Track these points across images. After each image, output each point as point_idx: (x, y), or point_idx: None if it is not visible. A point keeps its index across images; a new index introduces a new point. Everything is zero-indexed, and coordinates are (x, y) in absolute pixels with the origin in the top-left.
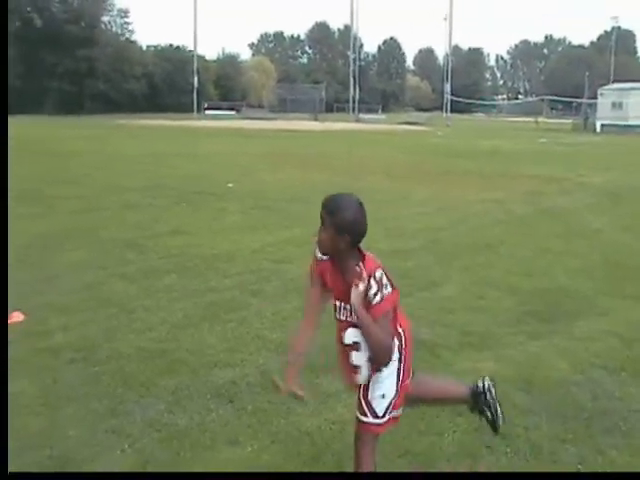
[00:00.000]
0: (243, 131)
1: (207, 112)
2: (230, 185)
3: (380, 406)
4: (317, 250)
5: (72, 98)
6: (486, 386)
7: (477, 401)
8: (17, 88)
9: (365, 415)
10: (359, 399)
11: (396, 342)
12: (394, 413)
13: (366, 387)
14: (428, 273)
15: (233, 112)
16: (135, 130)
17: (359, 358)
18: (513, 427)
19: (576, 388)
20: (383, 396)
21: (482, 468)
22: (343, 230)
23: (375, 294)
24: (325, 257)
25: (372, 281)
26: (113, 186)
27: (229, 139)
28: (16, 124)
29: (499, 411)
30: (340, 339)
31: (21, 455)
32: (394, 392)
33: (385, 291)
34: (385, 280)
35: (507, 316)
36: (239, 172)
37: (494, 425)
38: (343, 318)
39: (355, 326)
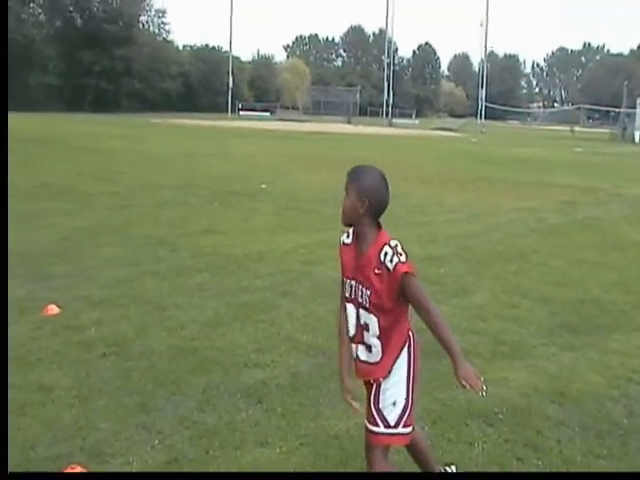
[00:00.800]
0: (277, 132)
1: (242, 113)
2: (263, 186)
3: (392, 414)
4: (342, 236)
5: (109, 96)
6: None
7: None
8: (56, 86)
9: (376, 425)
10: (369, 408)
11: (405, 348)
12: (405, 430)
13: (376, 396)
14: (460, 280)
15: (267, 113)
16: (170, 129)
17: (369, 337)
18: (545, 440)
19: (611, 403)
20: (394, 404)
21: None
22: (363, 195)
23: (391, 259)
24: (348, 240)
25: (387, 247)
26: (148, 184)
27: (263, 140)
28: (55, 121)
29: None
30: (355, 319)
31: (54, 445)
32: (405, 399)
33: (401, 257)
34: (400, 249)
35: (540, 326)
36: (272, 173)
37: None
38: (360, 300)
39: (365, 308)
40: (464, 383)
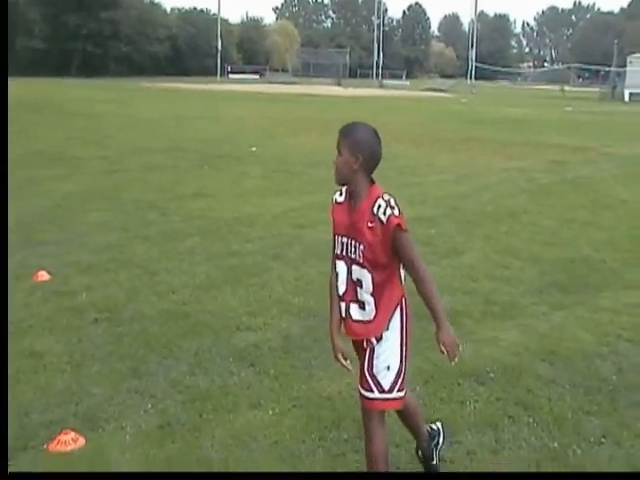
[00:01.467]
0: (266, 95)
1: (231, 76)
2: (253, 149)
3: (386, 379)
4: (335, 194)
5: (96, 60)
6: (440, 430)
7: (430, 442)
8: (42, 50)
9: (370, 391)
10: (363, 374)
11: (398, 310)
12: (400, 394)
13: (370, 361)
14: (451, 241)
15: (256, 76)
16: (159, 93)
17: (362, 294)
18: (536, 398)
19: (600, 360)
20: (388, 368)
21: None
22: (356, 150)
23: (384, 211)
24: (340, 199)
25: (380, 200)
26: (136, 148)
27: (252, 103)
28: (41, 86)
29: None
30: (346, 276)
31: (47, 411)
32: (398, 363)
33: (394, 210)
34: (393, 202)
35: (530, 286)
36: (262, 136)
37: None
38: (353, 256)
39: (358, 264)
40: (442, 348)
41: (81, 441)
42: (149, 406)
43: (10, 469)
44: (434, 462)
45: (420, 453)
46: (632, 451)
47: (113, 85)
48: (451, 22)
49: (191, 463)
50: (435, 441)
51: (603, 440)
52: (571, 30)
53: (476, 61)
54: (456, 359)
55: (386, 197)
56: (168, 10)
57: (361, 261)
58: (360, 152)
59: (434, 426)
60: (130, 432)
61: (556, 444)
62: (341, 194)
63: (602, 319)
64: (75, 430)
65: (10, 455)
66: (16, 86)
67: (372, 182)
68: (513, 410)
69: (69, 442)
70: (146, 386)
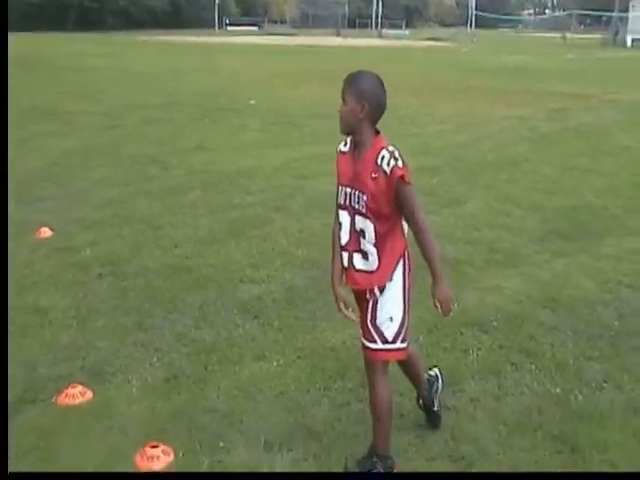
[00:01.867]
0: (265, 47)
1: (229, 28)
2: (252, 102)
3: (389, 330)
4: (340, 144)
5: (93, 14)
6: (438, 375)
7: (430, 390)
8: (37, 4)
9: (374, 341)
10: (365, 325)
11: (401, 261)
12: (403, 344)
13: (373, 312)
14: (452, 190)
15: (255, 28)
16: (155, 46)
17: (365, 244)
18: (539, 345)
19: (602, 307)
20: (391, 319)
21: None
22: (362, 98)
23: (388, 162)
24: (345, 149)
25: (384, 151)
26: (134, 103)
27: (251, 55)
28: (37, 40)
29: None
30: (349, 226)
31: (55, 366)
32: (401, 314)
33: (398, 162)
34: (397, 154)
35: (532, 234)
36: (261, 88)
37: (438, 419)
38: (356, 206)
39: (361, 214)
40: (436, 303)
41: (89, 394)
42: (155, 359)
43: (17, 424)
44: (435, 409)
45: (421, 402)
46: (633, 395)
47: (109, 39)
48: None
49: (197, 414)
50: (435, 388)
51: (604, 385)
52: None
53: (476, 9)
54: (450, 313)
55: (390, 148)
56: None
57: (364, 211)
58: (366, 100)
59: (432, 372)
60: (136, 385)
61: (558, 390)
62: (345, 144)
63: (604, 266)
64: (82, 384)
65: (19, 408)
66: (12, 41)
67: (377, 132)
68: (516, 357)
69: (77, 395)
70: (152, 339)
